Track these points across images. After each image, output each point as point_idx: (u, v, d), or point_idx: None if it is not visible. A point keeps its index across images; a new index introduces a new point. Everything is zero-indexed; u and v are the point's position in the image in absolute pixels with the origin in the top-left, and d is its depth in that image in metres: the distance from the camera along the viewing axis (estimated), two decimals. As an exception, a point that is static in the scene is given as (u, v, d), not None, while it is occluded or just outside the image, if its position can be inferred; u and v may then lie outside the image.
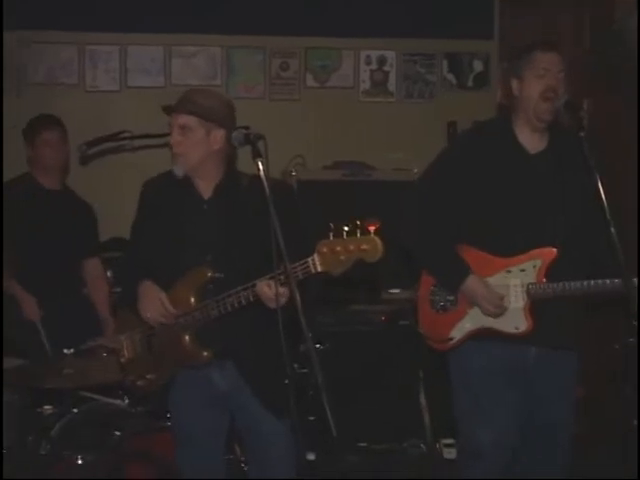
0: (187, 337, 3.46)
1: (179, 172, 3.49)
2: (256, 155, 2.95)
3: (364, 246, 2.88)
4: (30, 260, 4.92)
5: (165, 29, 6.72)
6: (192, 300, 3.44)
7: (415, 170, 6.10)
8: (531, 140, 3.63)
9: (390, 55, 7.13)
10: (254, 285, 3.22)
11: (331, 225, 2.95)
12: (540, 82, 3.52)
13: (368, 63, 7.11)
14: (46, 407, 4.17)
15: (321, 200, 5.61)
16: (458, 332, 3.68)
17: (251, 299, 3.24)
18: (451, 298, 3.70)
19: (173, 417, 3.76)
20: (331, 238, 2.96)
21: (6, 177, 5.26)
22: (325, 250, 2.97)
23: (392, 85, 7.15)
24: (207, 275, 3.41)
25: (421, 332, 3.85)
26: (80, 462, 3.09)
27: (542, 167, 3.61)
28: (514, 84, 3.65)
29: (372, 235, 2.87)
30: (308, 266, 3.03)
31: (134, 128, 5.49)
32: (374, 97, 7.13)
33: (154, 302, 3.49)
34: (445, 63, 7.15)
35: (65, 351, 4.00)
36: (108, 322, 5.11)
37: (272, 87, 6.90)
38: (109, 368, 4.38)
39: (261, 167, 2.92)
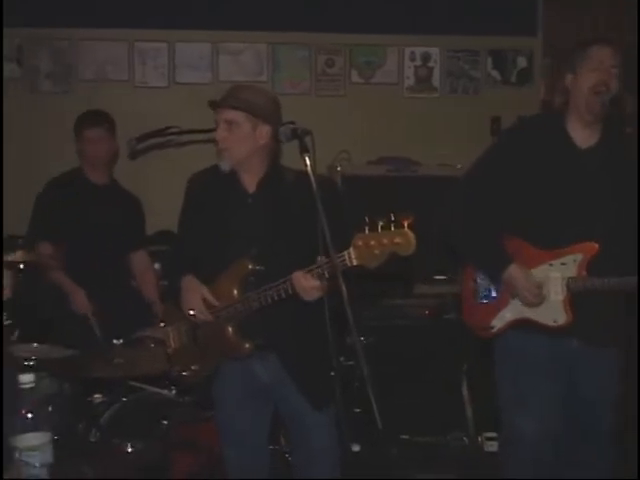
0: (230, 329, 3.50)
1: (225, 167, 3.52)
2: (303, 150, 2.97)
3: (397, 240, 2.89)
4: (79, 253, 4.98)
5: (212, 26, 6.77)
6: (235, 292, 3.47)
7: (459, 166, 6.11)
8: (582, 135, 3.60)
9: (434, 51, 7.13)
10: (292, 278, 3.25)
11: (366, 219, 2.96)
12: (593, 76, 3.50)
13: (412, 59, 7.11)
14: (96, 396, 4.23)
15: (365, 195, 5.62)
16: (499, 321, 3.68)
17: (290, 292, 3.26)
18: (493, 288, 3.71)
19: (217, 409, 3.78)
20: (366, 232, 2.97)
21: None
22: (360, 244, 2.98)
23: (436, 81, 7.15)
24: (248, 267, 3.43)
25: (464, 320, 3.86)
26: (130, 450, 3.13)
27: (592, 162, 3.57)
28: (568, 79, 3.61)
29: (405, 229, 2.88)
30: (344, 260, 3.03)
31: (181, 124, 5.50)
32: (418, 93, 7.13)
33: (195, 298, 3.53)
34: (489, 59, 7.14)
35: (114, 341, 4.05)
36: (160, 306, 5.17)
37: (318, 83, 6.94)
38: (157, 358, 4.43)
39: (308, 162, 2.94)
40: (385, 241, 2.91)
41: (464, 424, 5.42)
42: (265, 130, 3.48)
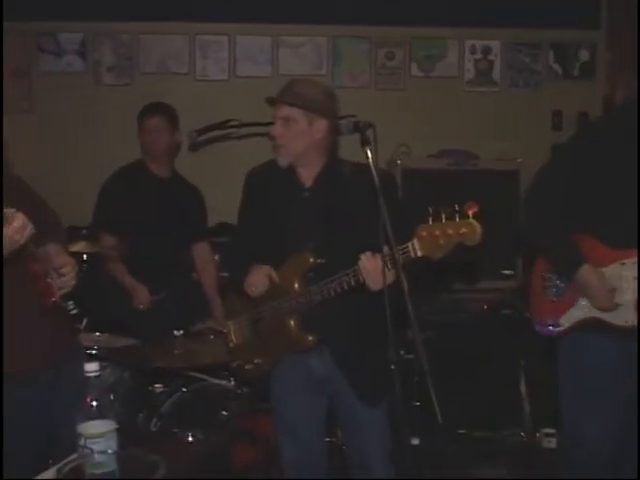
0: (292, 322, 3.50)
1: (283, 163, 3.53)
2: (365, 143, 2.95)
3: (463, 230, 2.86)
4: (141, 244, 5.03)
5: (273, 19, 6.79)
6: (296, 286, 3.47)
7: (519, 159, 6.08)
8: None
9: (495, 44, 7.08)
10: (355, 270, 3.23)
11: (430, 209, 2.93)
12: None
13: (473, 52, 7.07)
14: (157, 385, 4.27)
15: (425, 189, 5.61)
16: (567, 320, 3.61)
17: (352, 283, 3.25)
18: (563, 285, 3.64)
19: (274, 401, 3.79)
20: (430, 222, 2.94)
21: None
22: (424, 234, 2.96)
23: (497, 74, 7.10)
24: (309, 261, 3.43)
25: (530, 317, 3.81)
26: (190, 439, 3.16)
27: None
28: None
29: (470, 219, 2.84)
30: (408, 250, 3.02)
31: (241, 116, 5.53)
32: (478, 86, 7.08)
33: (261, 276, 3.53)
34: (551, 53, 7.07)
35: (175, 332, 4.09)
36: (216, 305, 5.21)
37: (378, 76, 6.93)
38: (216, 350, 4.47)
39: (370, 155, 2.94)
40: (450, 231, 2.89)
41: (522, 420, 5.40)
42: (322, 124, 3.48)
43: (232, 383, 4.59)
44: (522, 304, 5.10)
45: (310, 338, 3.48)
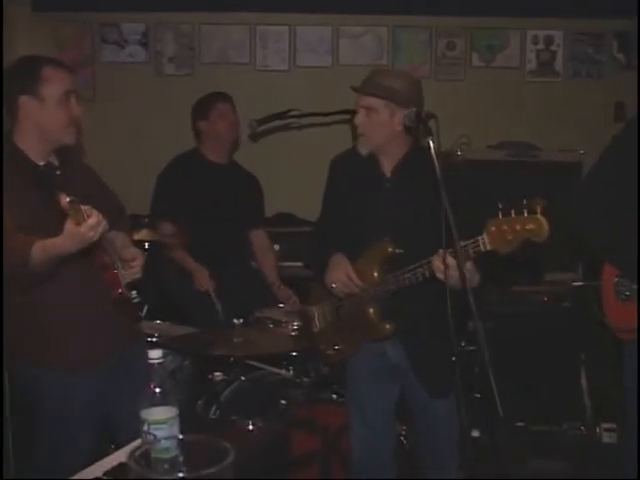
0: (371, 310, 3.55)
1: (363, 151, 3.56)
2: (427, 134, 2.96)
3: (530, 226, 2.87)
4: (200, 231, 5.06)
5: (333, 9, 6.78)
6: (375, 274, 3.51)
7: (582, 151, 6.00)
8: None
9: (557, 34, 6.99)
10: (429, 262, 3.24)
11: (499, 205, 2.95)
12: None
13: (535, 43, 6.99)
14: (216, 374, 4.29)
15: (485, 180, 5.56)
16: None
17: (427, 275, 3.26)
18: (636, 287, 3.56)
19: (349, 386, 3.85)
20: (499, 217, 2.96)
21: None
22: (493, 229, 2.98)
23: (559, 65, 7.02)
24: (388, 251, 3.45)
25: (606, 322, 3.73)
26: (251, 428, 3.17)
27: None
28: None
29: (538, 215, 2.85)
30: (478, 245, 3.04)
31: (301, 106, 5.53)
32: (540, 77, 7.01)
33: (341, 273, 3.58)
34: (615, 42, 6.97)
35: (234, 321, 4.10)
36: (279, 288, 5.23)
37: (438, 67, 6.88)
38: (275, 339, 4.50)
39: (432, 145, 2.94)
40: (518, 227, 2.90)
41: (582, 414, 5.34)
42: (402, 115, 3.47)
43: (291, 372, 4.61)
44: (583, 297, 5.05)
45: (387, 327, 3.52)
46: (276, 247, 5.56)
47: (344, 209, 3.68)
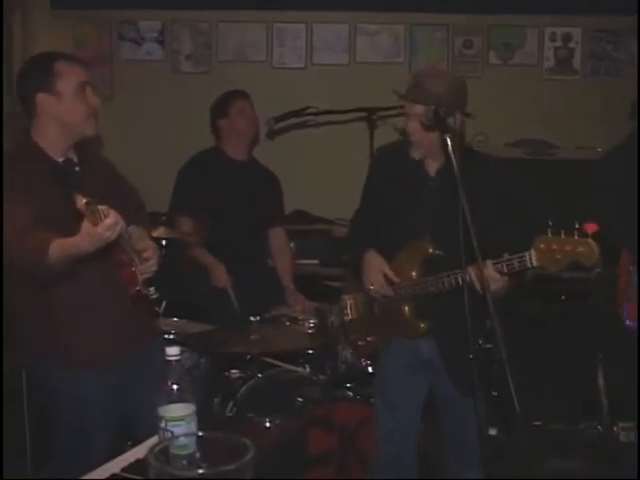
0: (407, 308, 3.58)
1: (417, 156, 3.52)
2: (445, 131, 2.95)
3: (580, 249, 2.89)
4: (218, 228, 5.04)
5: (350, 7, 6.78)
6: (413, 274, 3.53)
7: (599, 149, 5.97)
8: None
9: (576, 32, 6.94)
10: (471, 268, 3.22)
11: (549, 222, 2.96)
12: None
13: (553, 40, 6.95)
14: (233, 371, 4.29)
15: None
16: None
17: (467, 280, 3.24)
18: None
19: (379, 380, 3.87)
20: (549, 235, 2.96)
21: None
22: (542, 247, 2.99)
23: (577, 62, 6.97)
24: (428, 251, 3.45)
25: (620, 312, 3.74)
26: (267, 425, 3.17)
27: None
28: None
29: (589, 239, 2.87)
30: (524, 260, 3.06)
31: (318, 104, 5.55)
32: (558, 75, 6.97)
33: (376, 274, 3.59)
34: (634, 40, 6.90)
35: (251, 318, 4.10)
36: (290, 292, 5.23)
37: (455, 65, 6.85)
38: (292, 336, 4.50)
39: (449, 143, 2.93)
40: (567, 248, 2.92)
41: (599, 412, 5.32)
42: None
43: (307, 370, 4.60)
44: (601, 295, 5.02)
45: (422, 325, 3.55)
46: (292, 245, 5.54)
47: (384, 204, 3.66)
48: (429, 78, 3.48)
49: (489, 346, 3.06)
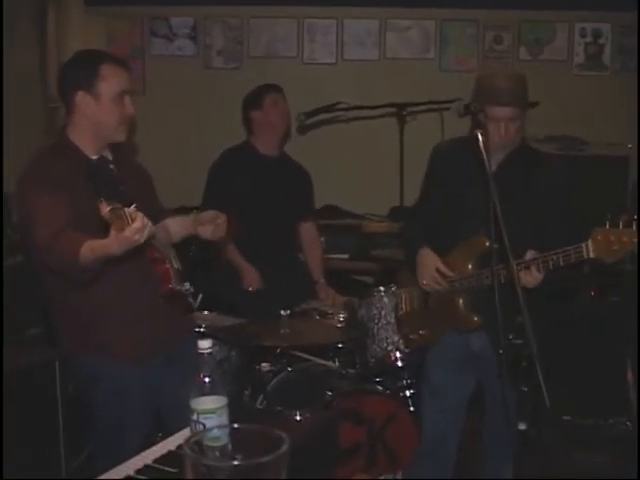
0: (461, 301, 3.58)
1: (496, 158, 3.47)
2: (476, 126, 2.95)
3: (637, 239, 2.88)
4: (250, 223, 5.02)
5: (381, 3, 6.77)
6: (469, 267, 3.53)
7: (630, 145, 5.93)
8: None
9: (605, 27, 6.92)
10: (523, 262, 3.23)
11: (608, 215, 2.95)
12: None
13: (583, 36, 6.92)
14: (263, 364, 4.29)
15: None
16: None
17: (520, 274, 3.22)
18: None
19: (428, 373, 3.87)
20: (607, 227, 2.96)
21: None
22: (600, 238, 2.98)
23: (607, 58, 6.94)
24: (486, 245, 3.41)
25: None
26: (298, 418, 3.17)
27: None
28: None
29: None
30: (581, 251, 3.05)
31: (349, 99, 5.56)
32: (588, 70, 6.95)
33: (430, 270, 3.61)
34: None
35: (282, 312, 4.10)
36: (322, 285, 5.23)
37: (485, 60, 6.83)
38: (322, 330, 4.50)
39: (480, 138, 2.92)
40: (625, 239, 2.91)
41: (628, 408, 5.29)
42: (521, 116, 3.47)
43: (336, 364, 4.60)
44: (631, 291, 4.99)
45: (476, 319, 3.56)
46: (322, 239, 5.53)
47: (444, 198, 3.66)
48: (508, 80, 3.50)
49: (519, 341, 3.06)
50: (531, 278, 3.22)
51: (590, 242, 3.01)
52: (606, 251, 2.95)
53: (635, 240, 2.86)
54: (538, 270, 3.21)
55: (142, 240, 2.75)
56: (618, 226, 2.90)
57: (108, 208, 2.63)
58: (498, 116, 3.40)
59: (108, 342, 3.33)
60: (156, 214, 3.41)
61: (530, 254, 3.26)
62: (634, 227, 2.86)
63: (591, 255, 3.01)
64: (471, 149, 3.45)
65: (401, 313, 4.00)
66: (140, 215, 2.70)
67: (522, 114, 3.44)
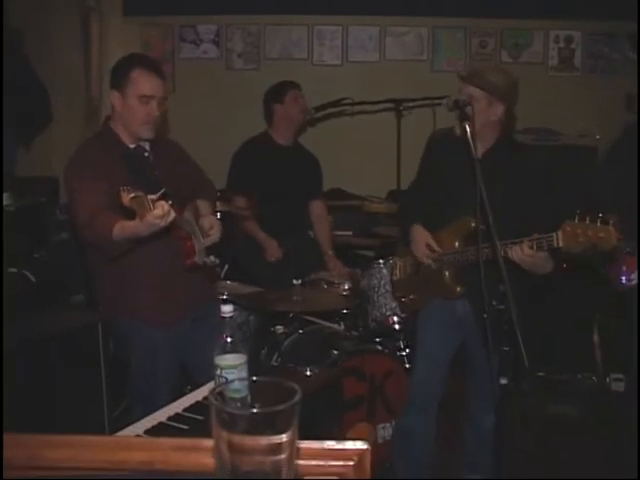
0: (447, 273, 3.57)
1: (458, 132, 3.41)
2: (464, 119, 2.93)
3: (601, 234, 2.85)
4: (267, 202, 5.03)
5: (381, 12, 6.77)
6: (456, 244, 3.51)
7: (597, 136, 5.90)
8: None
9: (576, 35, 6.89)
10: (507, 244, 3.20)
11: (577, 211, 2.92)
12: None
13: (557, 42, 6.90)
14: (277, 327, 4.28)
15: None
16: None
17: (503, 254, 3.16)
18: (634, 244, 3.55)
19: (419, 333, 3.83)
20: (576, 221, 2.93)
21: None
22: (568, 229, 2.95)
23: (578, 61, 6.92)
24: (471, 226, 3.39)
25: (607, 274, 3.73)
26: (308, 373, 3.17)
27: None
28: None
29: (610, 226, 2.83)
30: (552, 240, 3.02)
31: (353, 96, 5.55)
32: (561, 72, 6.92)
33: (421, 245, 3.59)
34: (627, 42, 6.82)
35: (294, 281, 4.09)
36: (330, 257, 5.21)
37: (472, 62, 6.78)
38: (329, 297, 4.49)
39: (468, 130, 2.90)
40: (590, 233, 2.88)
41: (594, 365, 5.28)
42: (499, 108, 3.41)
43: (342, 327, 4.61)
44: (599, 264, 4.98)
45: (458, 289, 3.55)
46: (330, 218, 5.51)
47: (435, 181, 3.63)
48: (488, 70, 3.54)
49: (502, 307, 3.05)
50: (522, 254, 3.17)
51: (560, 233, 2.99)
52: (573, 242, 2.93)
53: (599, 235, 2.84)
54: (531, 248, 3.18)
55: (164, 224, 2.72)
56: (585, 221, 2.88)
57: (130, 196, 2.59)
58: (460, 91, 3.38)
59: (140, 309, 3.33)
60: (196, 187, 3.52)
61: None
62: (598, 223, 2.84)
63: (560, 244, 2.99)
64: (461, 139, 3.44)
65: (395, 279, 4.00)
66: (161, 203, 2.65)
67: (486, 99, 3.36)
